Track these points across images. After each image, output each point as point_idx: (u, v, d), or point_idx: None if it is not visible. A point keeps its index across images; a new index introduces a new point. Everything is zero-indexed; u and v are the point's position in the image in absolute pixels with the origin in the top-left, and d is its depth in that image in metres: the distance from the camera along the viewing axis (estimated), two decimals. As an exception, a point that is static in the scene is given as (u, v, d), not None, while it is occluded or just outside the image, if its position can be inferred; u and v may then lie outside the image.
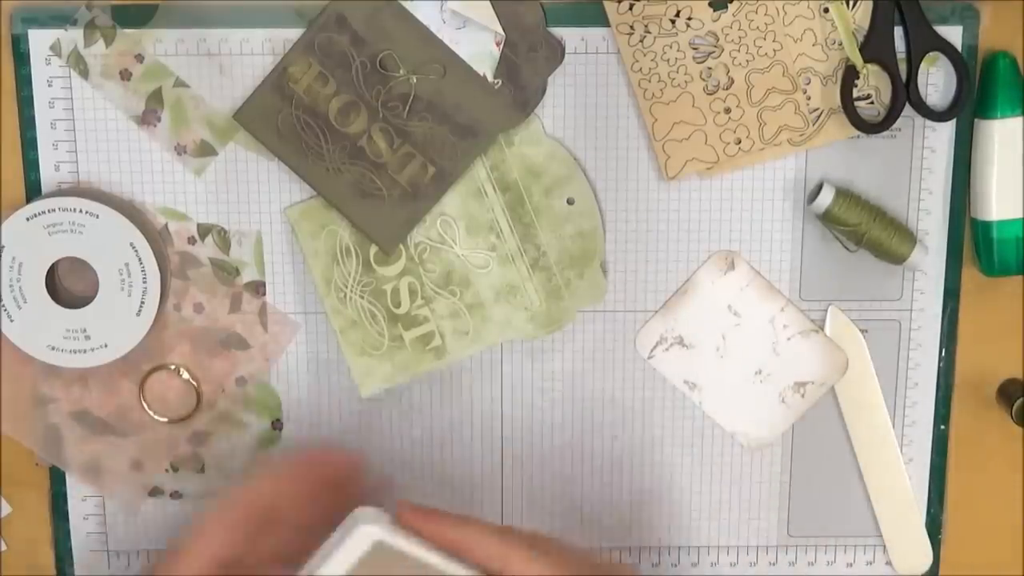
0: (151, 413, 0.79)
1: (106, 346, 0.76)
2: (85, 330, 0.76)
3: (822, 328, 0.79)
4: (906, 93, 0.75)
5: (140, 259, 0.75)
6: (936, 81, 0.76)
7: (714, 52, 0.75)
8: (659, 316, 0.79)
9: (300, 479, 0.70)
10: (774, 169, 0.78)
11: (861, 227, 0.76)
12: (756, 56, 0.75)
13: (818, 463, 0.82)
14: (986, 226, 0.76)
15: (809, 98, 0.76)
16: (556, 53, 0.75)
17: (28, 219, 0.74)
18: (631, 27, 0.75)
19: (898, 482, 0.81)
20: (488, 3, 0.74)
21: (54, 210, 0.74)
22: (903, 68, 0.75)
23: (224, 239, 0.78)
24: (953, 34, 0.75)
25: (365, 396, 0.79)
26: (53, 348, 0.76)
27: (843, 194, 0.76)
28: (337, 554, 0.62)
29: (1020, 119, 0.75)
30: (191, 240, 0.77)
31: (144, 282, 0.75)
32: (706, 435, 0.81)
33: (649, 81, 0.75)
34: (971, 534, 0.83)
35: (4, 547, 0.82)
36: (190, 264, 0.78)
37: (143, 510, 0.81)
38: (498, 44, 0.75)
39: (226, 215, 0.77)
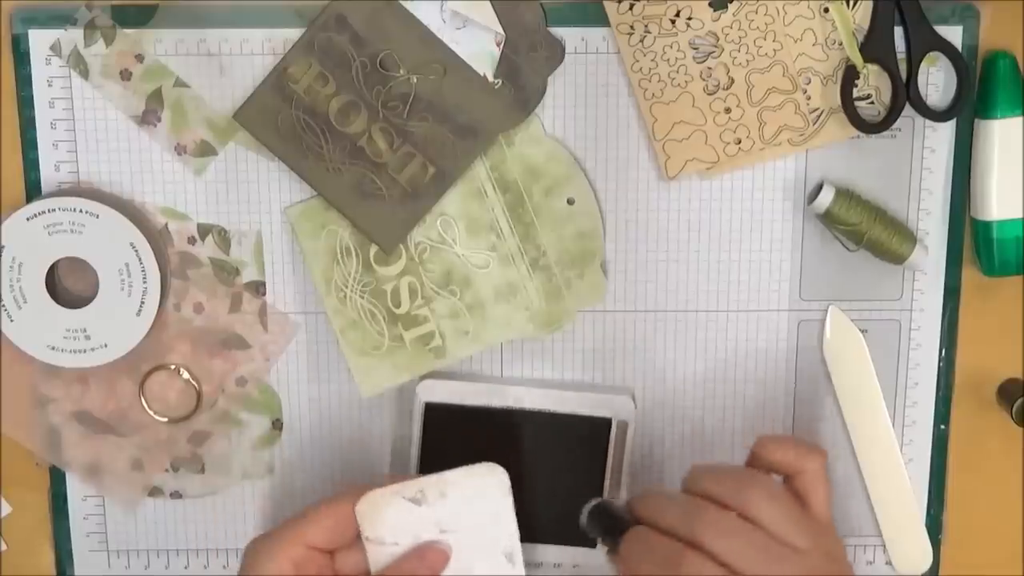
0: (151, 413, 0.79)
1: (106, 346, 0.76)
2: (85, 330, 0.76)
3: (822, 328, 0.79)
4: (906, 93, 0.75)
5: (140, 259, 0.75)
6: (936, 81, 0.76)
7: (714, 52, 0.75)
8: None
9: None
10: (774, 169, 0.78)
11: (861, 227, 0.76)
12: (756, 56, 0.75)
13: (818, 463, 0.82)
14: (986, 226, 0.76)
15: (809, 98, 0.76)
16: (556, 53, 0.75)
17: (28, 219, 0.74)
18: (631, 27, 0.75)
19: (898, 482, 0.81)
20: (488, 3, 0.74)
21: (54, 210, 0.74)
22: (903, 68, 0.75)
23: (224, 239, 0.78)
24: (953, 34, 0.75)
25: (365, 396, 0.79)
26: (53, 348, 0.76)
27: (843, 194, 0.76)
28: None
29: (1020, 119, 0.75)
30: (191, 240, 0.77)
31: (144, 282, 0.75)
32: (706, 435, 0.81)
33: (649, 81, 0.75)
34: (971, 534, 0.82)
35: (4, 547, 0.82)
36: (190, 264, 0.78)
37: (143, 510, 0.81)
38: (498, 44, 0.75)
39: (226, 215, 0.77)
